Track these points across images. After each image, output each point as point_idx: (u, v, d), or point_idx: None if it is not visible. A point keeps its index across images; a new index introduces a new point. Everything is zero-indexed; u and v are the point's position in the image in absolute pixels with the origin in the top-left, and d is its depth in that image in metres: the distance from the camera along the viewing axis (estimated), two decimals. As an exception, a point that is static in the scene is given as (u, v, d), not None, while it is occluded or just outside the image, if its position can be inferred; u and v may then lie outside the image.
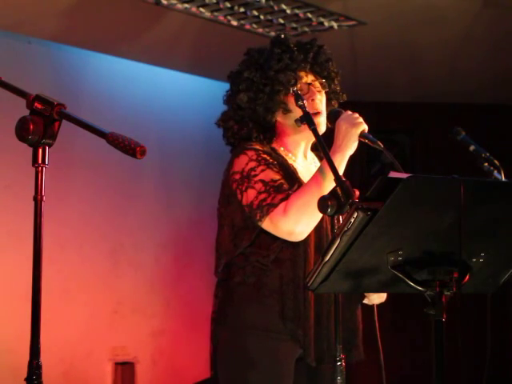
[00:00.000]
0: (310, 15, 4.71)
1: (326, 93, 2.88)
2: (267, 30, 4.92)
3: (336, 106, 2.94)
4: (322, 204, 2.23)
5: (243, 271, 2.73)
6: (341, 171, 2.61)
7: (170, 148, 5.79)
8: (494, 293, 2.31)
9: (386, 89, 5.99)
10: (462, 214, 1.99)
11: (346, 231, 1.98)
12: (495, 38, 5.11)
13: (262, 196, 2.65)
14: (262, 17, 4.73)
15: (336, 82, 2.92)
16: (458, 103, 6.26)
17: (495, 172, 3.07)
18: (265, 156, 2.74)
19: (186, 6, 4.57)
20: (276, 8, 4.59)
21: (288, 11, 4.64)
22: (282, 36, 2.95)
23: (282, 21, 4.80)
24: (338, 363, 2.57)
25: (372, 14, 4.71)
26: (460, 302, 2.06)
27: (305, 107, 2.64)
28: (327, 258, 2.03)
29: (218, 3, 4.54)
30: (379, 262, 2.07)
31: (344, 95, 2.96)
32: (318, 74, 2.87)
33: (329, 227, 2.77)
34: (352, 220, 1.96)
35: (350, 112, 2.70)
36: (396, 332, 6.09)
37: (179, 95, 5.86)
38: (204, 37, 5.07)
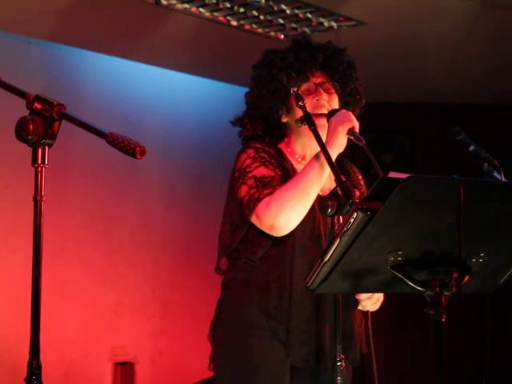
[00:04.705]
0: (309, 15, 4.71)
1: (340, 95, 2.87)
2: (267, 30, 4.92)
3: (356, 111, 2.92)
4: (322, 204, 2.24)
5: (235, 267, 2.77)
6: (328, 167, 2.59)
7: (170, 148, 5.79)
8: (494, 293, 2.30)
9: (386, 89, 5.98)
10: (461, 214, 1.99)
11: (346, 231, 1.98)
12: (495, 39, 5.11)
13: (252, 191, 2.68)
14: (261, 17, 4.72)
15: (351, 85, 2.89)
16: (458, 103, 6.25)
17: (495, 172, 3.07)
18: (263, 154, 2.76)
19: (186, 6, 4.56)
20: (276, 8, 4.59)
21: (288, 11, 4.64)
22: (303, 37, 2.95)
23: (281, 21, 4.79)
24: (338, 363, 2.57)
25: (372, 14, 4.70)
26: (459, 302, 2.06)
27: (305, 108, 2.64)
28: (327, 258, 2.03)
29: (217, 3, 4.53)
30: (379, 262, 2.06)
31: (363, 100, 2.93)
32: (330, 76, 2.86)
33: (322, 227, 2.75)
34: (352, 220, 1.96)
35: (344, 111, 2.70)
36: (396, 332, 6.09)
37: (178, 95, 5.85)
38: (204, 37, 5.06)
